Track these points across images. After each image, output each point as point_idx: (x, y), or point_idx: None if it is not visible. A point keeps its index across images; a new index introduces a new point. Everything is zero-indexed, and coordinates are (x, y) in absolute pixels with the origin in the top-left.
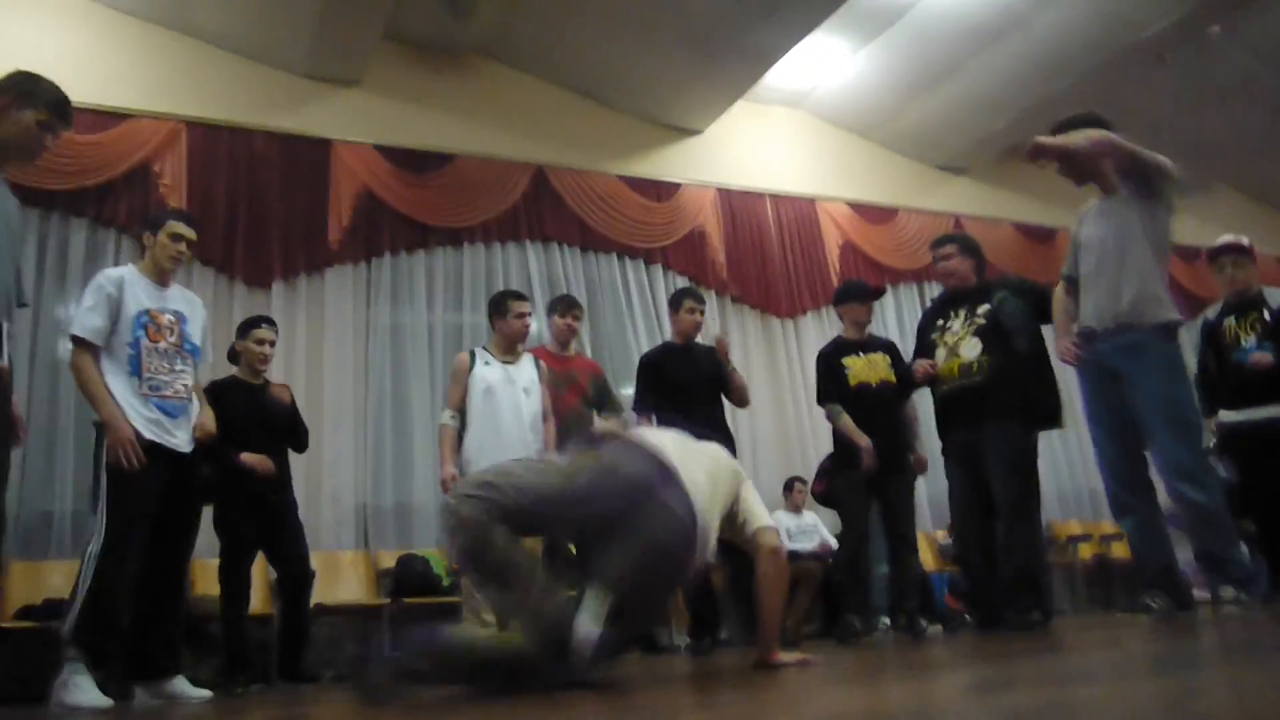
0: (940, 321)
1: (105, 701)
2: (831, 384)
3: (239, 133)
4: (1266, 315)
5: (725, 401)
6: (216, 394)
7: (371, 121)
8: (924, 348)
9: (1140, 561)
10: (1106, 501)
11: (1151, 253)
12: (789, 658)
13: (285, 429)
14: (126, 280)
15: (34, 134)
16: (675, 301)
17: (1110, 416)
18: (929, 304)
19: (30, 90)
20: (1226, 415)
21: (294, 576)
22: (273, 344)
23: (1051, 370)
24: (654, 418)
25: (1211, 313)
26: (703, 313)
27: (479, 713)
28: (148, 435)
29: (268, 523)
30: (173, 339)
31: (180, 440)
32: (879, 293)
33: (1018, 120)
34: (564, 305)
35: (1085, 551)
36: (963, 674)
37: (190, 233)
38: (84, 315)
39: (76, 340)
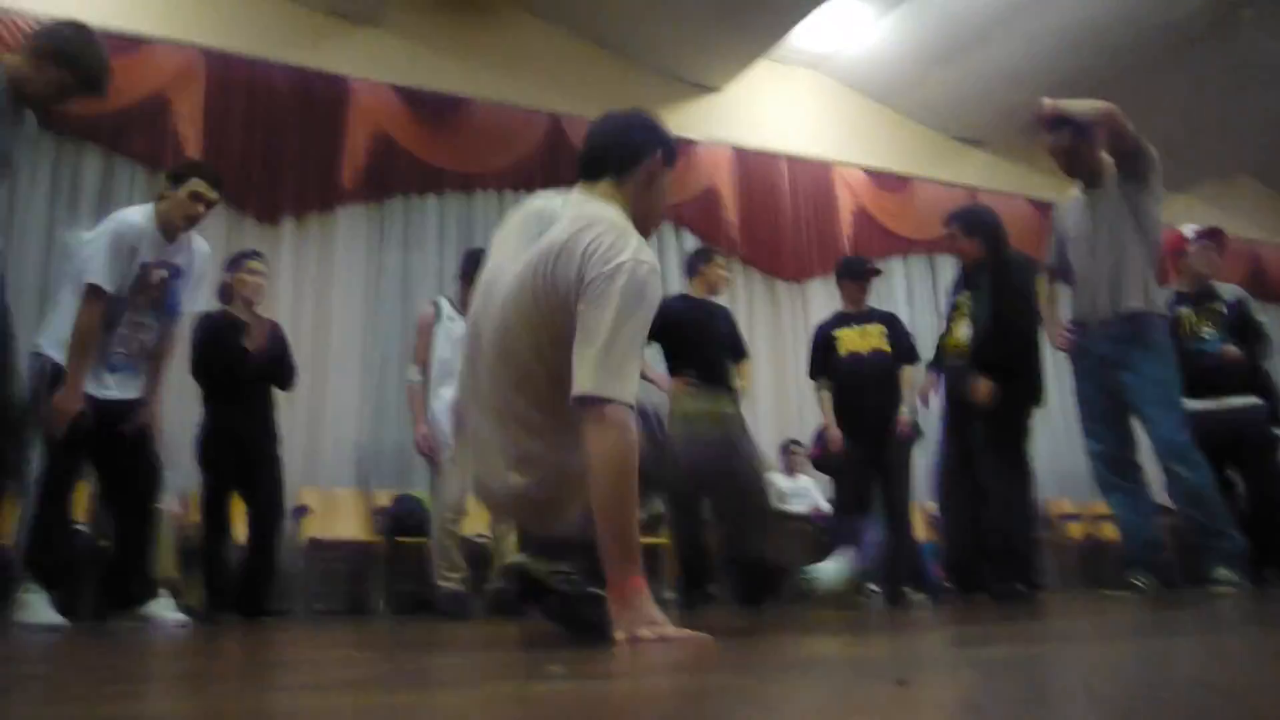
0: (956, 298)
1: (58, 619)
2: (820, 358)
3: (257, 65)
4: (1223, 308)
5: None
6: (209, 327)
7: (390, 62)
8: (948, 322)
9: (1126, 539)
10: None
11: (1144, 244)
12: (650, 632)
13: (269, 367)
14: (143, 232)
15: (55, 93)
16: (706, 256)
17: (1102, 400)
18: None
19: (73, 53)
20: (1191, 404)
21: (263, 517)
22: (265, 275)
23: (1036, 354)
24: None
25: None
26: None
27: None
28: (87, 388)
29: (246, 460)
30: (155, 295)
31: (114, 391)
32: (873, 272)
33: (1040, 95)
34: None
35: (1076, 530)
36: (943, 632)
37: (213, 194)
38: (108, 266)
39: (96, 290)
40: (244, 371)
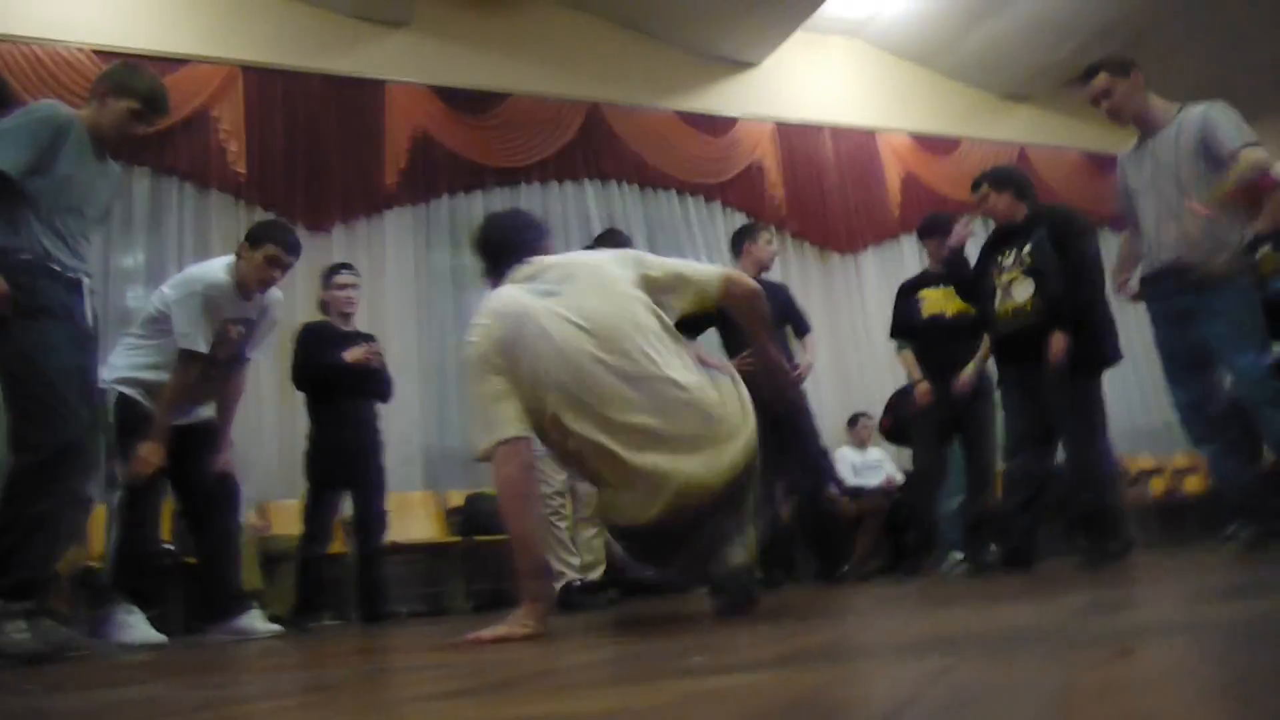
0: (997, 259)
1: (158, 637)
2: (901, 318)
3: (294, 76)
4: None
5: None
6: (310, 337)
7: (424, 62)
8: (985, 289)
9: (1225, 490)
10: (1179, 434)
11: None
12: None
13: (368, 378)
14: (226, 290)
15: (126, 122)
16: (750, 233)
17: (1185, 351)
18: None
19: (127, 82)
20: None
21: (368, 522)
22: (355, 287)
23: (1107, 308)
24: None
25: None
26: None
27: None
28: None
29: (353, 471)
30: (229, 349)
31: (188, 416)
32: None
33: (1083, 45)
34: (610, 241)
35: (1157, 486)
36: (1070, 597)
37: (289, 258)
38: (203, 331)
39: (194, 355)
40: (343, 382)
